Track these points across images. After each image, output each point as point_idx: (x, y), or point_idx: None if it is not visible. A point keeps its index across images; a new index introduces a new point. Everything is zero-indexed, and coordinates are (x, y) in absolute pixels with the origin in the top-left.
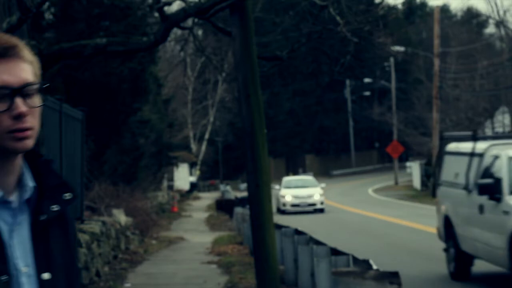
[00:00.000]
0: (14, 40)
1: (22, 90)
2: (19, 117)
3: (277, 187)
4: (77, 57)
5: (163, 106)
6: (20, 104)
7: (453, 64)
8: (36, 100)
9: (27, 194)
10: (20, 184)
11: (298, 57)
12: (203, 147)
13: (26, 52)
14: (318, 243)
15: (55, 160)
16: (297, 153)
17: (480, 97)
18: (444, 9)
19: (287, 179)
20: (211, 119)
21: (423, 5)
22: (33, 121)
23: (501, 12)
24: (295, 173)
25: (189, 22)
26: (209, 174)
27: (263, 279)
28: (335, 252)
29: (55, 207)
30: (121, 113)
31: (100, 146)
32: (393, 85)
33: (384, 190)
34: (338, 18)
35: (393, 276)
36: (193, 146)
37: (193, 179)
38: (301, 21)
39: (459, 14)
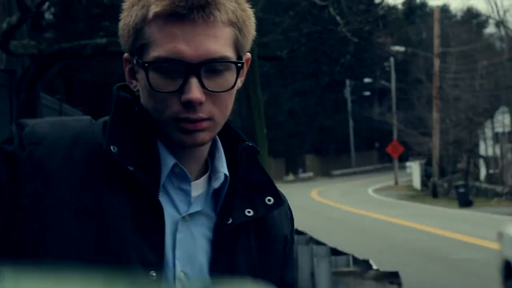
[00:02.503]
0: None
1: (201, 68)
2: (189, 104)
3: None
4: (77, 57)
5: None
6: (193, 88)
7: (453, 64)
8: (225, 81)
9: (217, 183)
10: (211, 170)
11: (298, 57)
12: None
13: (228, 10)
14: (318, 243)
15: None
16: (297, 153)
17: (480, 97)
18: (444, 9)
19: None
20: None
21: (423, 5)
22: (212, 110)
23: (501, 12)
24: (295, 173)
25: None
26: None
27: None
28: (335, 252)
29: (250, 212)
30: None
31: None
32: (393, 85)
33: (384, 190)
34: (338, 18)
35: (393, 276)
36: None
37: None
38: (301, 21)
39: (459, 14)
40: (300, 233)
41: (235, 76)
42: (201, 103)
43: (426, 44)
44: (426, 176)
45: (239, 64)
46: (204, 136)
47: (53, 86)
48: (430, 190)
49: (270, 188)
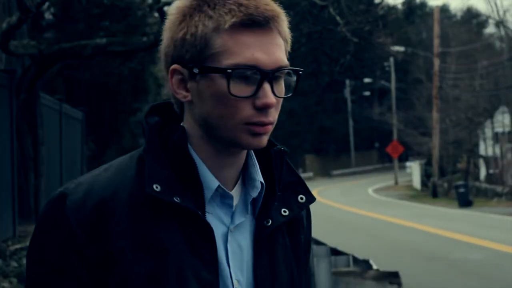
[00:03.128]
0: (276, 7)
1: (273, 75)
2: (264, 108)
3: None
4: (77, 57)
5: None
6: (269, 93)
7: (453, 64)
8: (282, 88)
9: (255, 192)
10: (245, 178)
11: (298, 57)
12: None
13: (285, 25)
14: (318, 243)
15: (55, 160)
16: (297, 153)
17: (480, 97)
18: (444, 9)
19: None
20: None
21: (423, 5)
22: (274, 115)
23: (501, 12)
24: None
25: None
26: None
27: None
28: (335, 252)
29: (286, 212)
30: (121, 113)
31: (100, 146)
32: (393, 85)
33: (384, 190)
34: (338, 18)
35: (393, 276)
36: None
37: None
38: (301, 21)
39: (459, 14)
40: None
41: (294, 82)
42: (271, 107)
43: (426, 44)
44: (426, 176)
45: (300, 72)
46: (266, 139)
47: (53, 86)
48: (430, 190)
49: (301, 187)
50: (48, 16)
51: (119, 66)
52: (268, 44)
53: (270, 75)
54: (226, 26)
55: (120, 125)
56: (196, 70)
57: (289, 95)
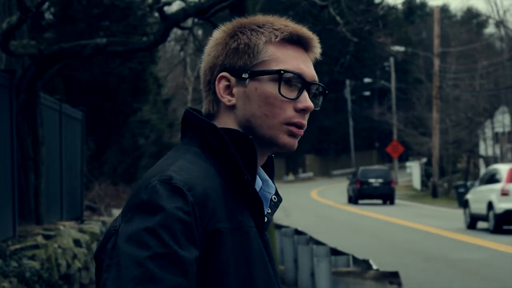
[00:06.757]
0: (312, 34)
1: (310, 86)
2: (303, 111)
3: None
4: (77, 57)
5: (163, 106)
6: (308, 98)
7: (453, 64)
8: (314, 102)
9: (272, 190)
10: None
11: None
12: None
13: (318, 53)
14: (318, 243)
15: (56, 160)
16: (297, 153)
17: (480, 97)
18: (444, 9)
19: None
20: None
21: (423, 5)
22: (305, 122)
23: (501, 12)
24: (295, 173)
25: (189, 22)
26: None
27: None
28: (335, 252)
29: (269, 210)
30: (121, 113)
31: (100, 146)
32: (393, 85)
33: None
34: (338, 18)
35: (393, 276)
36: None
37: None
38: (301, 21)
39: (459, 14)
40: (300, 233)
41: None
42: (308, 112)
43: (426, 44)
44: (426, 176)
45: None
46: (296, 143)
47: (53, 86)
48: (430, 190)
49: (276, 189)
50: (48, 16)
51: (119, 66)
52: (308, 61)
53: (309, 85)
54: (277, 39)
55: (120, 125)
56: (245, 75)
57: (317, 109)
